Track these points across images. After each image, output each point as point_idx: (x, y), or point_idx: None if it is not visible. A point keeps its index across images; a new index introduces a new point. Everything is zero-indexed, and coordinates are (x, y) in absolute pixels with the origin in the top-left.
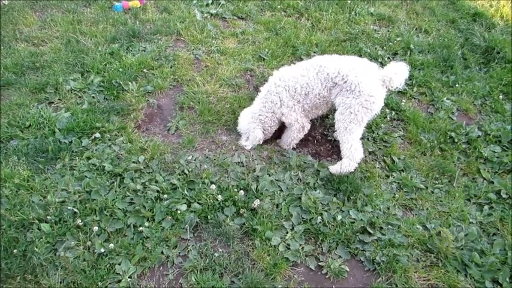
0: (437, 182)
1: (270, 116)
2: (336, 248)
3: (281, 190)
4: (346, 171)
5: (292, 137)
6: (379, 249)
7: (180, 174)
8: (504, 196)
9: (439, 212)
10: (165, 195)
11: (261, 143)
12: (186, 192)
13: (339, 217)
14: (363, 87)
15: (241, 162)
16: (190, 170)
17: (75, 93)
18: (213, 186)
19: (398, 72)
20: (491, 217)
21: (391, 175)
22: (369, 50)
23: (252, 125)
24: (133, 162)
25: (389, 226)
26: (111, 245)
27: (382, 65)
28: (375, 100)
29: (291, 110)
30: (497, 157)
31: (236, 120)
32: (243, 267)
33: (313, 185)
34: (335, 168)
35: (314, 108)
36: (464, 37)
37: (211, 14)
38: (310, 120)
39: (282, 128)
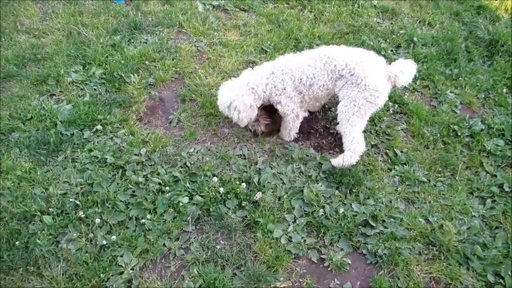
0: (439, 175)
1: (263, 94)
2: (338, 240)
3: (283, 183)
4: (348, 164)
5: (289, 127)
6: (381, 242)
7: (182, 167)
8: (507, 189)
9: (442, 205)
10: (167, 188)
11: (253, 115)
12: (188, 184)
13: (341, 210)
14: (368, 81)
15: (243, 155)
16: (192, 162)
17: (76, 85)
18: (215, 179)
19: (404, 70)
20: (493, 210)
21: (394, 168)
22: (372, 43)
23: (239, 92)
24: (135, 154)
25: (392, 219)
26: (113, 237)
27: (386, 58)
28: (379, 95)
29: (290, 100)
30: (500, 150)
31: None
32: (245, 259)
33: (315, 178)
34: (337, 161)
35: (313, 100)
36: (468, 30)
37: (214, 6)
38: (311, 113)
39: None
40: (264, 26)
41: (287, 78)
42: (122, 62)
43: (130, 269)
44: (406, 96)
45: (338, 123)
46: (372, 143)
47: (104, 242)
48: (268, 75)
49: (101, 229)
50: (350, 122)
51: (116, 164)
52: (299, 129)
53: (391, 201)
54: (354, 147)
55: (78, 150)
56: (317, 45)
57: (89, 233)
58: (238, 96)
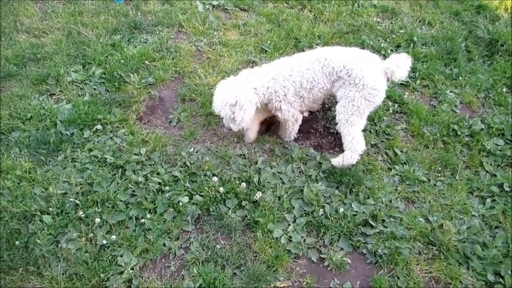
0: (439, 174)
1: (263, 97)
2: (338, 240)
3: (283, 182)
4: (348, 164)
5: (289, 130)
6: (381, 242)
7: (182, 167)
8: (506, 189)
9: (442, 204)
10: (167, 187)
11: (252, 114)
12: (188, 184)
13: (341, 210)
14: (367, 80)
15: (243, 155)
16: (192, 162)
17: (76, 85)
18: (215, 179)
19: (400, 65)
20: (493, 210)
21: (394, 168)
22: (371, 42)
23: (244, 90)
24: (135, 154)
25: (392, 219)
26: (113, 236)
27: (385, 57)
28: (377, 93)
29: (290, 106)
30: (500, 150)
31: None
32: (245, 259)
33: (315, 178)
34: (337, 161)
35: (312, 102)
36: (468, 29)
37: (213, 6)
38: (311, 113)
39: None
40: (264, 25)
41: (289, 85)
42: (122, 61)
43: (130, 269)
44: (406, 96)
45: (337, 123)
46: (372, 143)
47: (104, 242)
48: (269, 79)
49: (101, 229)
50: (349, 121)
51: (116, 163)
52: (299, 129)
53: (391, 201)
54: (354, 147)
55: (78, 149)
56: (317, 44)
57: (88, 233)
58: (244, 94)
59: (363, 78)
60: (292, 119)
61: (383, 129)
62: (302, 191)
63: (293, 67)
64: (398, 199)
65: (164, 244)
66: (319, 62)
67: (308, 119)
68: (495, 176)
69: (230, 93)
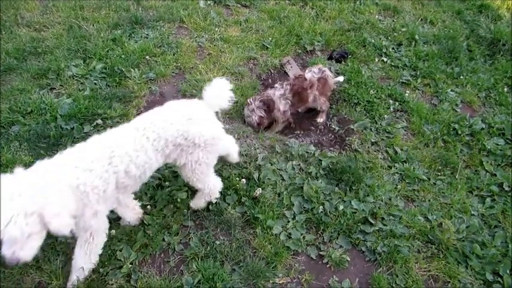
0: (439, 173)
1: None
2: (337, 237)
3: (283, 179)
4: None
5: (90, 247)
6: (380, 240)
7: None
8: (506, 189)
9: (441, 203)
10: (167, 183)
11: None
12: None
13: (341, 207)
14: (205, 135)
15: (243, 151)
16: None
17: (77, 79)
18: None
19: (220, 93)
20: (493, 209)
21: (394, 166)
22: (373, 40)
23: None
24: None
25: (391, 217)
26: (113, 231)
27: (387, 55)
28: (219, 140)
29: (105, 207)
30: (500, 150)
31: (238, 109)
32: (244, 255)
33: (315, 175)
34: (195, 204)
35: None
36: (470, 29)
37: (215, 2)
38: (312, 110)
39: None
40: (265, 22)
41: (110, 176)
42: (123, 56)
43: (130, 263)
44: (406, 94)
45: (189, 179)
46: (372, 141)
47: None
48: (81, 172)
49: None
50: (202, 178)
51: None
52: (300, 126)
53: (390, 199)
54: (212, 191)
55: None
56: (318, 42)
57: None
58: (55, 196)
59: (201, 135)
60: (100, 226)
61: (383, 127)
62: (302, 188)
63: (113, 151)
64: (398, 197)
65: (163, 239)
66: (147, 138)
67: (308, 117)
68: (495, 175)
69: (23, 198)
